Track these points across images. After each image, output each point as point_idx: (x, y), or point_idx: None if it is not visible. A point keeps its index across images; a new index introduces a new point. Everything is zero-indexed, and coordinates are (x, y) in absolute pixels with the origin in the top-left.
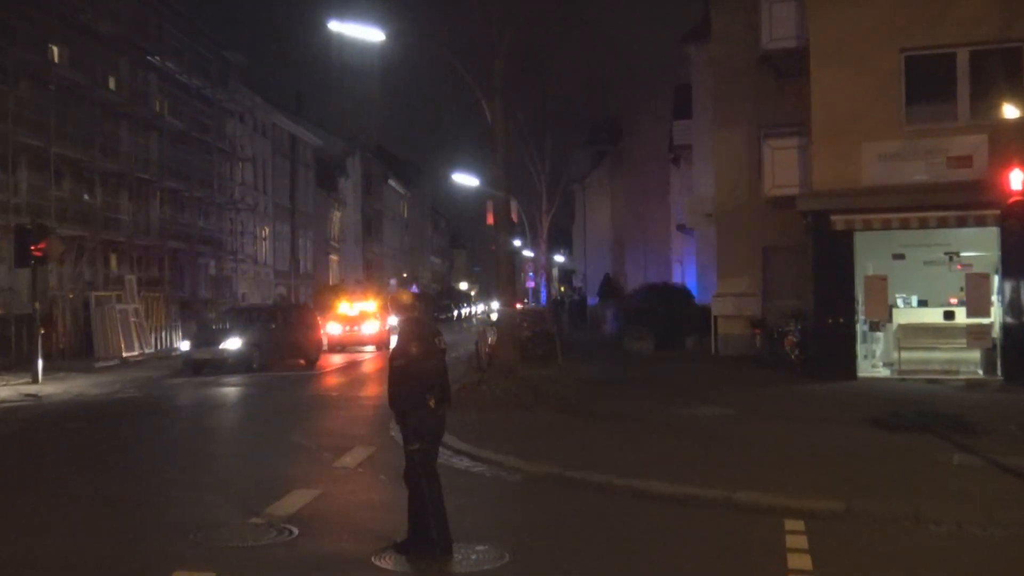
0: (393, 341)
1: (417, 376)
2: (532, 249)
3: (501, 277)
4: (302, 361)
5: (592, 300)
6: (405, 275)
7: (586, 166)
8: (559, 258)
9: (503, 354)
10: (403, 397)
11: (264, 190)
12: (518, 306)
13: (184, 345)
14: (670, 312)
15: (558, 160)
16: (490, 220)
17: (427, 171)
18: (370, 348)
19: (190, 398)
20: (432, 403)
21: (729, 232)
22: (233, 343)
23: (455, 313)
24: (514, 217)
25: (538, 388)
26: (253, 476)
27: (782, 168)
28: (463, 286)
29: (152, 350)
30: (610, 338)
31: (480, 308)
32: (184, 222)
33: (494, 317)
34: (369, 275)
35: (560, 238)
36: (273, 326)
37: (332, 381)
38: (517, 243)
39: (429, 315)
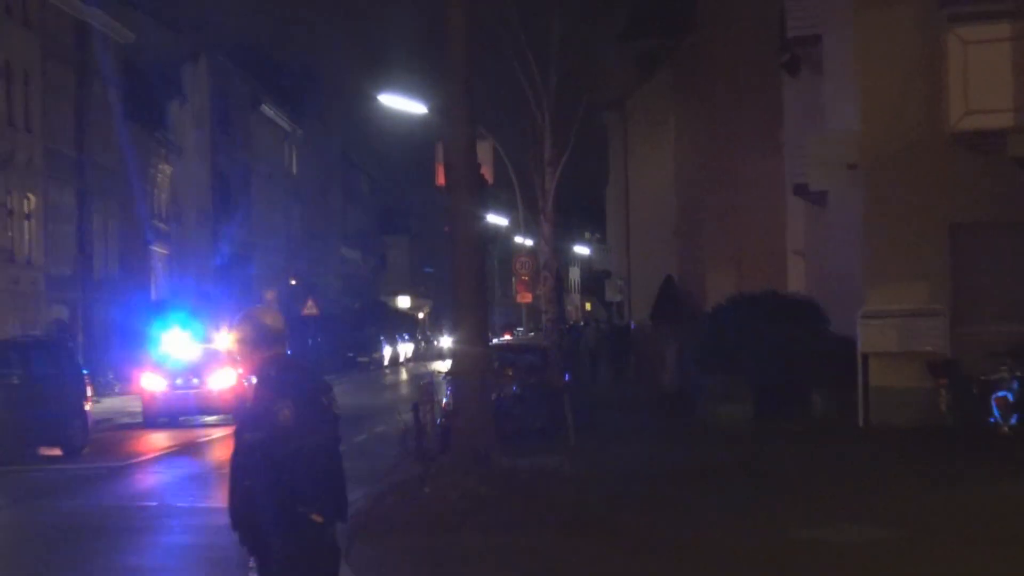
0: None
1: (290, 464)
2: (528, 233)
3: (462, 283)
4: (57, 449)
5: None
6: (294, 282)
7: (627, 79)
8: (580, 249)
9: (467, 427)
10: (264, 505)
11: (23, 124)
12: (506, 338)
13: None
14: (782, 347)
15: (573, 67)
16: (440, 179)
17: (339, 97)
18: (217, 419)
19: None
20: (319, 518)
21: (888, 197)
22: None
23: (386, 353)
24: (486, 173)
25: (532, 491)
26: None
27: (983, 79)
28: (402, 303)
29: None
30: (673, 394)
31: (439, 342)
32: None
33: (440, 366)
34: (225, 284)
35: (583, 214)
36: None
37: (126, 487)
38: (497, 221)
39: (319, 355)
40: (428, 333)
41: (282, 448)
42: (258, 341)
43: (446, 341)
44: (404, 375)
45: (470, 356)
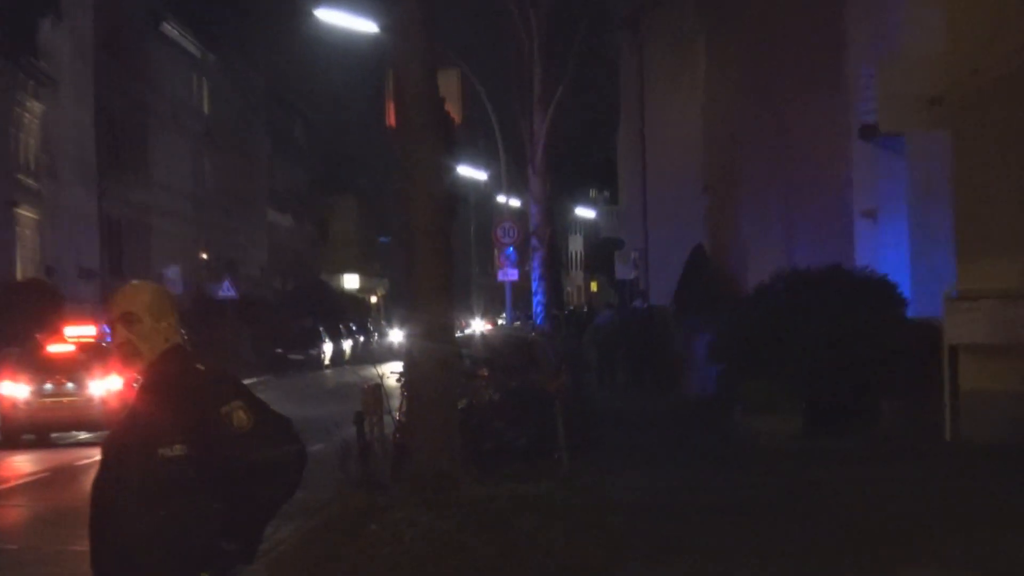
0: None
1: (246, 484)
2: (514, 191)
3: (419, 257)
4: None
5: (632, 303)
6: (205, 256)
7: None
8: (583, 213)
9: (426, 445)
10: (155, 545)
11: None
12: (486, 328)
13: None
14: (844, 340)
15: None
16: (390, 118)
17: (265, 15)
18: (99, 436)
19: None
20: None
21: (981, 143)
22: None
23: (327, 349)
24: (452, 111)
25: (510, 529)
26: None
27: None
28: (349, 283)
29: None
30: (702, 401)
31: (399, 336)
32: None
33: (387, 369)
34: (116, 259)
35: (586, 166)
36: None
37: None
38: (471, 175)
39: (237, 351)
40: (383, 323)
41: (186, 469)
42: (124, 327)
43: (399, 334)
44: (350, 378)
45: (430, 353)
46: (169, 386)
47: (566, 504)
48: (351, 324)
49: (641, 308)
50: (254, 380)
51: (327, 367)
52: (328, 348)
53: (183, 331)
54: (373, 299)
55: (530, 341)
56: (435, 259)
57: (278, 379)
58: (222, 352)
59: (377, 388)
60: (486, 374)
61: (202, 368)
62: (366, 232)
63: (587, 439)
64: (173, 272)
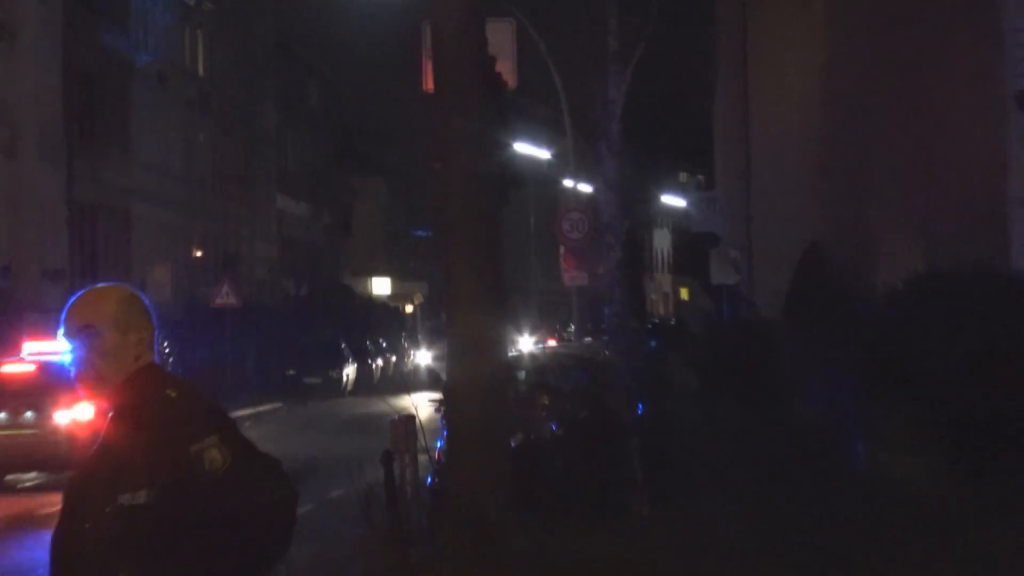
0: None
1: (156, 546)
2: (583, 173)
3: (458, 257)
4: None
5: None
6: (199, 252)
7: None
8: (672, 201)
9: (468, 490)
10: None
11: None
12: (550, 343)
13: None
14: (997, 355)
15: None
16: (427, 82)
17: None
18: (64, 477)
19: None
20: None
21: None
22: None
23: (350, 370)
24: (505, 72)
25: None
26: None
27: None
28: (379, 287)
29: None
30: (818, 431)
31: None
32: None
33: (423, 397)
34: (89, 257)
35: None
36: None
37: None
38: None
39: (238, 372)
40: (420, 336)
41: (207, 513)
42: (107, 345)
43: (426, 355)
44: (379, 407)
45: (474, 375)
46: (138, 418)
47: (645, 565)
48: (381, 340)
49: (747, 319)
50: (258, 409)
51: (351, 393)
52: (352, 370)
53: (166, 347)
54: (408, 308)
55: (602, 361)
56: (480, 256)
57: (289, 408)
58: (219, 373)
59: (410, 420)
60: (547, 402)
61: (172, 394)
62: (400, 224)
63: (673, 482)
64: (159, 273)
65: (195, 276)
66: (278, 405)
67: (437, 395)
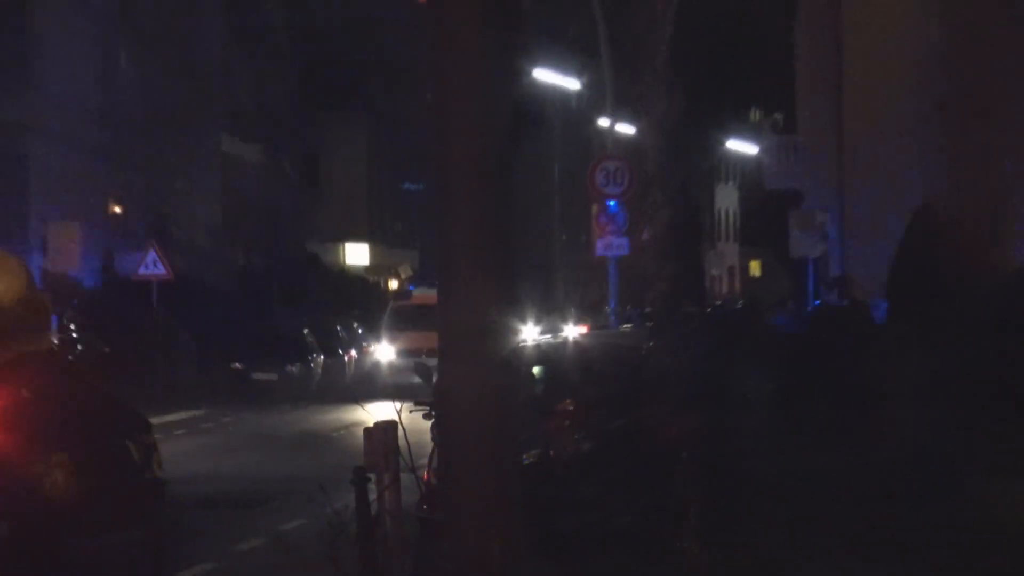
0: None
1: None
2: (624, 112)
3: (456, 218)
4: None
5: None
6: (119, 209)
7: None
8: (738, 147)
9: (467, 521)
10: None
11: None
12: (580, 331)
13: None
14: None
15: None
16: None
17: None
18: None
19: None
20: None
21: None
22: None
23: (316, 364)
24: None
25: None
26: None
27: None
28: (354, 255)
29: None
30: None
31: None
32: None
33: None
34: None
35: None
36: None
37: None
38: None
39: (169, 365)
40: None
41: (49, 551)
42: None
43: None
44: (351, 413)
45: (476, 372)
46: (4, 423)
47: None
48: (356, 325)
49: (840, 306)
50: (192, 414)
51: (316, 394)
52: (319, 364)
53: (72, 331)
54: (393, 284)
55: (645, 355)
56: (485, 220)
57: (234, 414)
58: (142, 367)
59: (390, 429)
60: (571, 408)
61: (27, 395)
62: (383, 175)
63: (734, 516)
64: (64, 234)
65: (113, 240)
66: (215, 409)
67: (426, 397)
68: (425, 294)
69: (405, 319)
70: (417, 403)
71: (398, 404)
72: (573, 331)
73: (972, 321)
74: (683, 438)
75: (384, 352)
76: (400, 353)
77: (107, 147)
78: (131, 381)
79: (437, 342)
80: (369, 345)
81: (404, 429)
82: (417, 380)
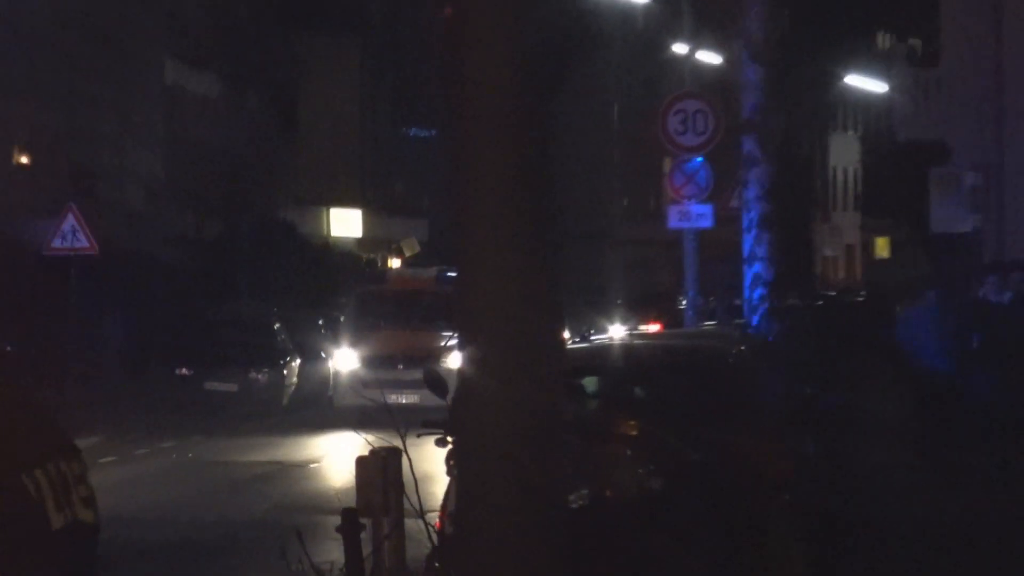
0: None
1: None
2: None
3: (475, 169)
4: None
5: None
6: (26, 159)
7: None
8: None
9: (491, 573)
10: None
11: None
12: (648, 330)
13: None
14: None
15: None
16: None
17: None
18: None
19: None
20: None
21: None
22: None
23: (290, 368)
24: None
25: None
26: None
27: None
28: (341, 225)
29: None
30: None
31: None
32: None
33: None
34: None
35: None
36: None
37: None
38: None
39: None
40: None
41: None
42: None
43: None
44: (340, 437)
45: (503, 389)
46: None
47: None
48: (343, 317)
49: (999, 303)
50: (119, 436)
51: (287, 410)
52: (293, 369)
53: None
54: (394, 263)
55: (735, 363)
56: (516, 175)
57: (180, 436)
58: (58, 370)
59: (391, 459)
60: (634, 433)
61: None
62: (382, 117)
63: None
64: None
65: (18, 201)
66: (159, 430)
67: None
68: (404, 275)
69: (376, 312)
70: (427, 424)
71: (366, 435)
72: (637, 330)
73: None
74: (784, 475)
75: (345, 359)
76: (368, 361)
77: (12, 77)
78: (41, 390)
79: (422, 343)
80: (324, 351)
81: (410, 459)
82: (405, 400)
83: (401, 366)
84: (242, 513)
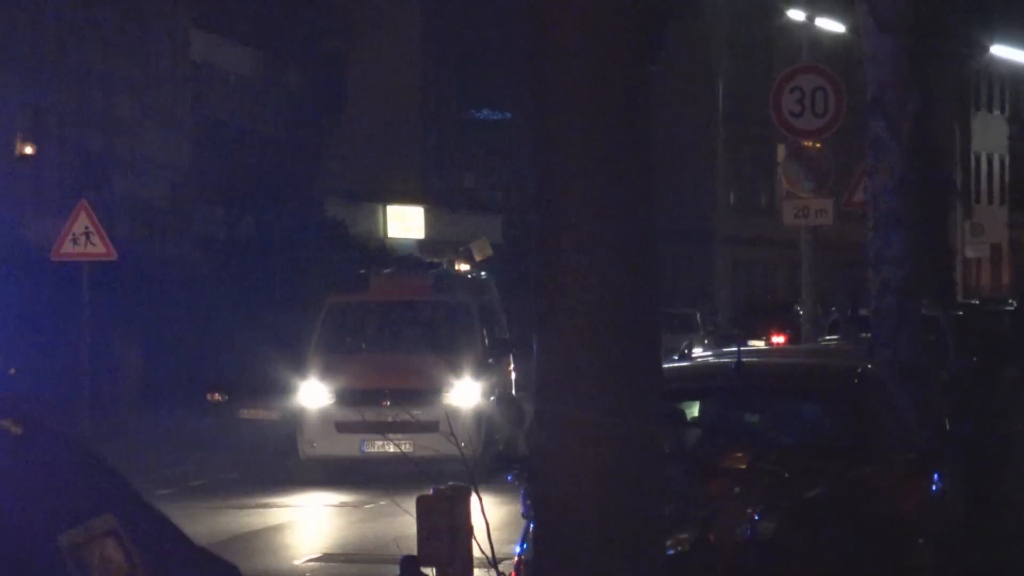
0: None
1: None
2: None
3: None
4: None
5: None
6: (30, 150)
7: None
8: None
9: None
10: None
11: None
12: (763, 345)
13: None
14: None
15: None
16: None
17: None
18: None
19: None
20: None
21: None
22: None
23: None
24: None
25: None
26: None
27: None
28: (399, 225)
29: None
30: None
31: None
32: None
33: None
34: None
35: None
36: None
37: None
38: None
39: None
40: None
41: None
42: None
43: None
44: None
45: (588, 417)
46: None
47: None
48: (314, 336)
49: None
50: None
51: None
52: None
53: None
54: (462, 267)
55: (858, 384)
56: (608, 167)
57: (211, 474)
58: (67, 393)
59: (459, 499)
60: (743, 466)
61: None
62: (447, 98)
63: None
64: None
65: (23, 197)
66: (183, 465)
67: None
68: (390, 281)
69: (354, 329)
70: (502, 458)
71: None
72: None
73: None
74: (922, 511)
75: (312, 394)
76: (343, 396)
77: (16, 54)
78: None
79: (415, 371)
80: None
81: (480, 498)
82: (392, 449)
83: (387, 402)
84: (285, 556)
